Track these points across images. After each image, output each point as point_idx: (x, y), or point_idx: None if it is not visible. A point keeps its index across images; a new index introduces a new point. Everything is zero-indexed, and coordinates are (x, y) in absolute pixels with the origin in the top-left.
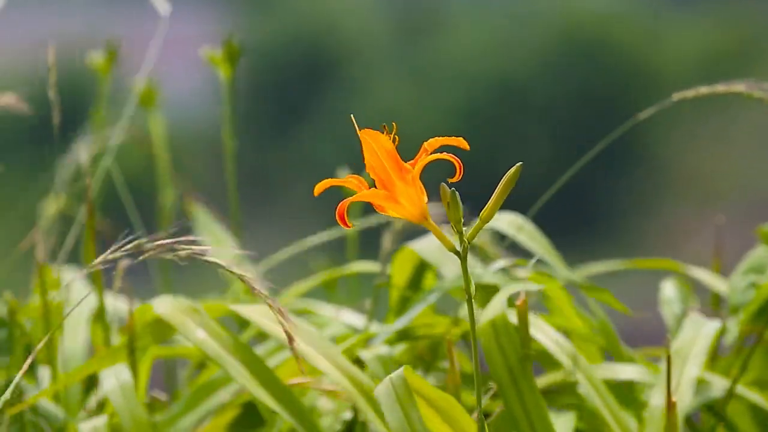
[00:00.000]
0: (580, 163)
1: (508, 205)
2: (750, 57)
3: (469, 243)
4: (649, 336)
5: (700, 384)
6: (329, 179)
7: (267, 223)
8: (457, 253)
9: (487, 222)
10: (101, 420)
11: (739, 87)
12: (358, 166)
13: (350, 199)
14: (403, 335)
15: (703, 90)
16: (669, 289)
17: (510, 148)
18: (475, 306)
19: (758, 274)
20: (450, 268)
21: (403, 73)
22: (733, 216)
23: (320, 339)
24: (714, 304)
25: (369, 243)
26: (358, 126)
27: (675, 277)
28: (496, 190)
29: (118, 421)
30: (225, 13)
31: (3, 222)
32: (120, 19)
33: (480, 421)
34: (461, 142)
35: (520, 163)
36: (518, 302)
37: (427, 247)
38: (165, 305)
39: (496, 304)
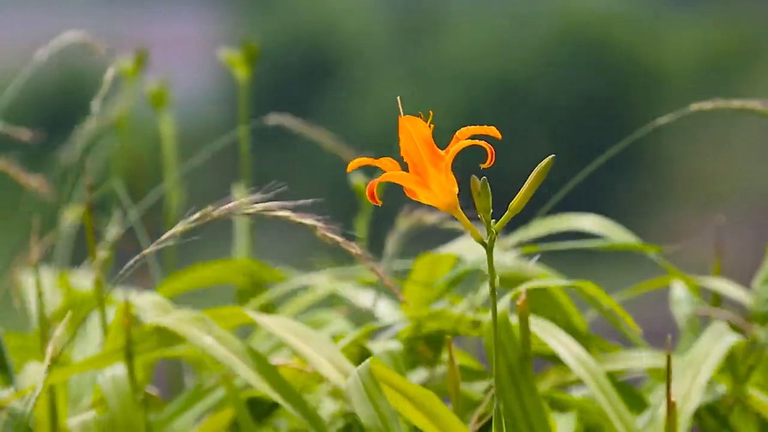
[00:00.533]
0: (593, 165)
1: (504, 204)
2: (750, 56)
3: (496, 234)
4: (651, 336)
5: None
6: (363, 158)
7: (268, 223)
8: (483, 243)
9: (516, 213)
10: (90, 415)
11: (754, 104)
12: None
13: (383, 177)
14: (413, 329)
15: (720, 103)
16: (679, 290)
17: (510, 148)
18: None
19: None
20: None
21: (403, 72)
22: (735, 217)
23: (322, 340)
24: (714, 304)
25: (372, 243)
26: (399, 111)
27: (682, 281)
28: (526, 182)
29: (104, 412)
30: (225, 13)
31: (3, 222)
32: (120, 19)
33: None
34: (493, 131)
35: (552, 155)
36: (519, 302)
37: (456, 250)
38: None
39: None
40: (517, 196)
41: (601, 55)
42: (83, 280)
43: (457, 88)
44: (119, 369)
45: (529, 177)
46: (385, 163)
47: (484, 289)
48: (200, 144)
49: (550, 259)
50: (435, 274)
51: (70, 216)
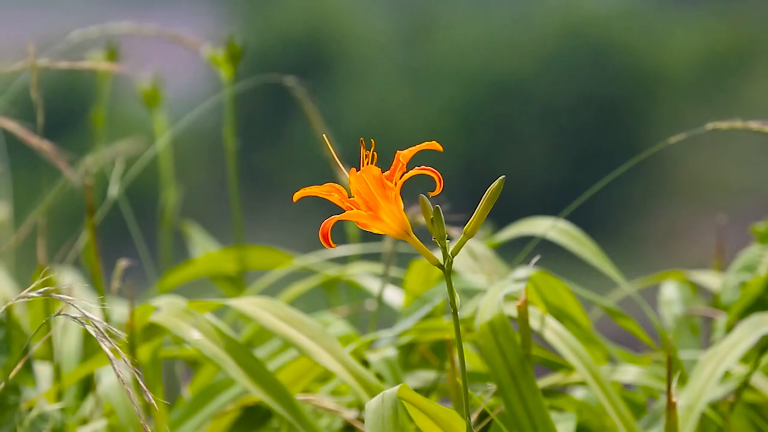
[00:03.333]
0: (611, 176)
1: (517, 203)
2: (751, 56)
3: (453, 257)
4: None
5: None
6: (309, 187)
7: (264, 222)
8: (441, 267)
9: (472, 236)
10: (101, 424)
11: None
12: (356, 164)
13: (333, 218)
14: (411, 337)
15: (738, 124)
16: (670, 291)
17: (509, 147)
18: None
19: (750, 273)
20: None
21: (402, 72)
22: (736, 217)
23: (328, 337)
24: (715, 305)
25: (367, 244)
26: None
27: (677, 277)
28: (479, 205)
29: (116, 422)
30: (223, 13)
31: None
32: (118, 19)
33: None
34: (435, 146)
35: (503, 177)
36: (518, 303)
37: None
38: (162, 310)
39: (494, 305)
40: (471, 219)
41: (601, 54)
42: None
43: (455, 88)
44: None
45: (482, 199)
46: (331, 192)
47: (474, 298)
48: (196, 143)
49: (541, 261)
50: (428, 279)
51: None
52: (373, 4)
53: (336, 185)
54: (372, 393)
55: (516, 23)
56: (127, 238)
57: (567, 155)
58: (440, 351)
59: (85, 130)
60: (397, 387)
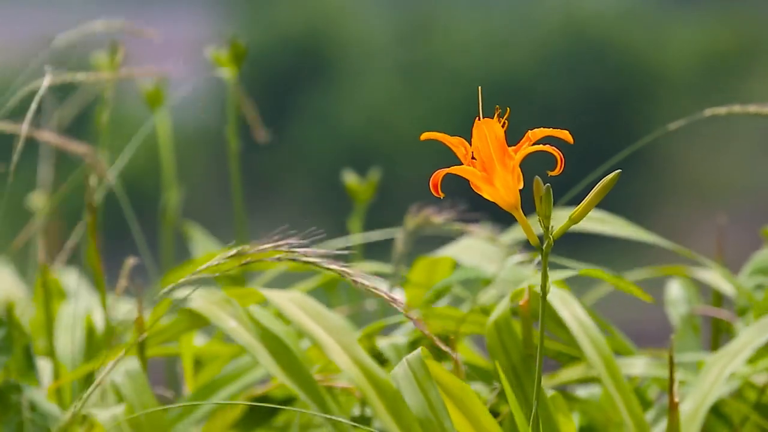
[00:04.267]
0: (605, 165)
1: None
2: (751, 56)
3: (554, 239)
4: (652, 336)
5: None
6: (439, 133)
7: (265, 221)
8: (540, 249)
9: (577, 222)
10: (120, 408)
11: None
12: (357, 164)
13: (448, 169)
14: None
15: (736, 108)
16: (675, 290)
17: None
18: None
19: (765, 276)
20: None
21: (401, 71)
22: (736, 216)
23: (341, 329)
24: (716, 303)
25: (370, 243)
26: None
27: (680, 278)
28: (590, 193)
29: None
30: (222, 12)
31: (4, 222)
32: (118, 18)
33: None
34: (566, 135)
35: (618, 171)
36: (522, 302)
37: (456, 254)
38: (200, 299)
39: (500, 303)
40: (578, 207)
41: (601, 53)
42: (67, 277)
43: (455, 87)
44: (133, 365)
45: (594, 189)
46: (458, 144)
47: (487, 291)
48: (196, 143)
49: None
50: (432, 278)
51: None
52: (373, 4)
53: (465, 141)
54: (382, 391)
55: (516, 23)
56: (128, 238)
57: (566, 155)
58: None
59: (86, 131)
60: (418, 349)
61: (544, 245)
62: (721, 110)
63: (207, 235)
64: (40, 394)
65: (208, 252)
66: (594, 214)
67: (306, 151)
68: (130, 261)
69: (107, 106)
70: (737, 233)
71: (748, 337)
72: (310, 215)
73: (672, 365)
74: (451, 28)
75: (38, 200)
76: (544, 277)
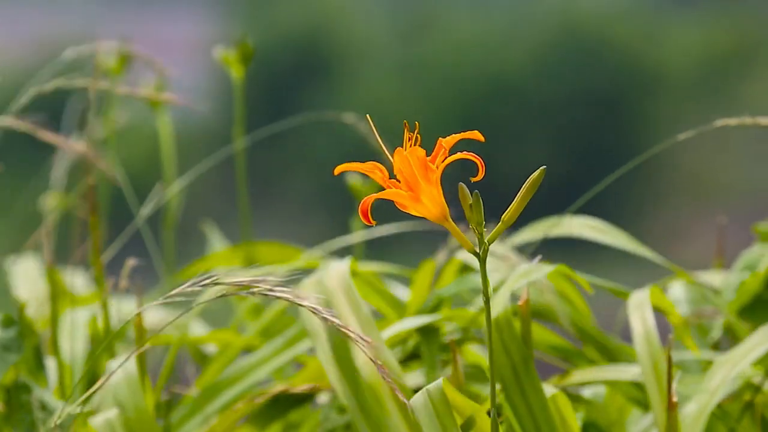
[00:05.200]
0: (616, 173)
1: (504, 204)
2: (750, 56)
3: (489, 245)
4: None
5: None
6: (352, 163)
7: (267, 220)
8: (476, 254)
9: (509, 225)
10: (113, 412)
11: None
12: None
13: (374, 195)
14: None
15: (747, 120)
16: (677, 291)
17: (508, 147)
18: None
19: (751, 272)
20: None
21: (401, 70)
22: (736, 217)
23: (367, 320)
24: (716, 304)
25: (371, 242)
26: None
27: (684, 279)
28: (518, 194)
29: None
30: (223, 14)
31: (3, 222)
32: (118, 20)
33: (494, 423)
34: (477, 135)
35: (543, 167)
36: (521, 302)
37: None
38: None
39: (499, 302)
40: (509, 208)
41: (600, 53)
42: (74, 277)
43: (454, 87)
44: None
45: (522, 188)
46: (372, 169)
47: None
48: (199, 144)
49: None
50: (438, 281)
51: (52, 208)
52: (373, 3)
53: (378, 164)
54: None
55: (516, 22)
56: (136, 237)
57: (566, 154)
58: (442, 349)
59: (91, 131)
60: (440, 379)
61: (480, 251)
62: (732, 121)
63: (220, 236)
64: (49, 393)
65: (217, 249)
66: (593, 223)
67: (307, 149)
68: (131, 261)
69: (112, 108)
70: (737, 233)
71: (755, 340)
72: (312, 213)
73: (670, 365)
74: (451, 27)
75: (50, 201)
76: (485, 283)
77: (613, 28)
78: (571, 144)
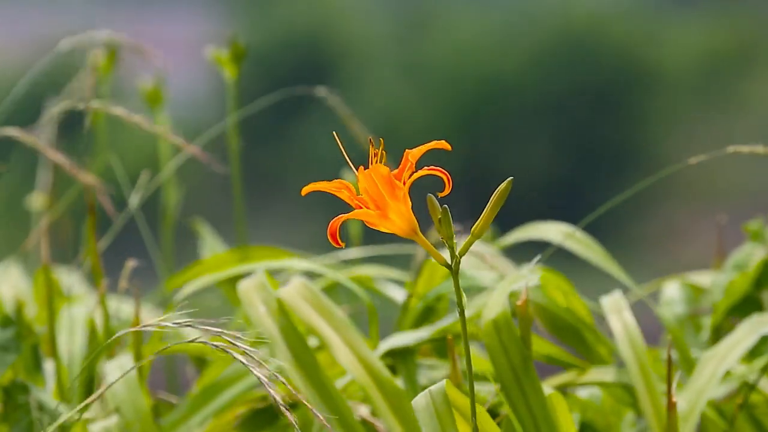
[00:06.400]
0: (635, 188)
1: (516, 203)
2: (750, 56)
3: (460, 257)
4: (649, 336)
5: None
6: (319, 183)
7: (267, 221)
8: (448, 267)
9: (480, 236)
10: (112, 420)
11: None
12: (359, 163)
13: (342, 217)
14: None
15: (760, 149)
16: (672, 291)
17: (507, 147)
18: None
19: (741, 271)
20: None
21: (402, 71)
22: (736, 217)
23: (347, 326)
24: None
25: (371, 241)
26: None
27: (679, 279)
28: (487, 205)
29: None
30: (222, 12)
31: (3, 222)
32: (117, 19)
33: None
34: (443, 145)
35: (511, 178)
36: (519, 302)
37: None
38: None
39: (498, 303)
40: (479, 220)
41: (600, 53)
42: (69, 277)
43: (454, 87)
44: (128, 365)
45: (491, 200)
46: (340, 188)
47: (480, 296)
48: (198, 143)
49: (545, 261)
50: (433, 281)
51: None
52: (373, 4)
53: (345, 182)
54: (385, 391)
55: (516, 22)
56: (135, 238)
57: (566, 154)
58: (441, 350)
59: (85, 131)
60: (443, 382)
61: (453, 264)
62: (744, 149)
63: (213, 234)
64: (47, 394)
65: (214, 252)
66: (583, 238)
67: (308, 150)
68: (131, 262)
69: (105, 106)
70: (737, 233)
71: (740, 335)
72: (311, 214)
73: (670, 364)
74: (451, 27)
75: (37, 201)
76: (458, 295)
77: (612, 28)
78: (571, 144)
